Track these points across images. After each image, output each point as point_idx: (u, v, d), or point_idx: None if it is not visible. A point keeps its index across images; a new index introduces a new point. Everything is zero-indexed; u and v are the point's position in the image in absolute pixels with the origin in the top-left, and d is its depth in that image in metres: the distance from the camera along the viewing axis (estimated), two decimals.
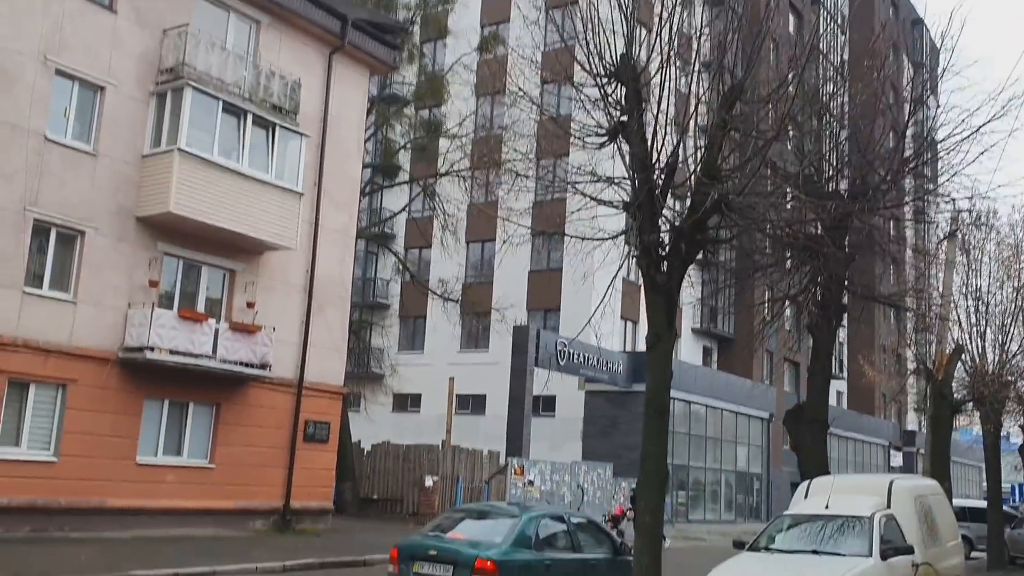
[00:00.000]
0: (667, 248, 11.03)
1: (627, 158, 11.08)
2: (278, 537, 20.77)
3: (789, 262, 17.72)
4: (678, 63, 11.47)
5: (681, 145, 11.05)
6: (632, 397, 35.08)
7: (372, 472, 30.40)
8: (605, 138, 11.27)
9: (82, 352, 18.43)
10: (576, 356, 33.06)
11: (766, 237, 16.22)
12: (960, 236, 23.49)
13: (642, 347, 36.01)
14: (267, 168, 21.13)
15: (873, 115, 16.35)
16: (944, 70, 15.56)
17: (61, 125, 18.53)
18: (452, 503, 26.51)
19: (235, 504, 20.97)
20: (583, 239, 12.62)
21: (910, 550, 12.03)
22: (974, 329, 24.08)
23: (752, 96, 11.77)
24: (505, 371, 31.85)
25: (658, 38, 10.93)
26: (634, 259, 11.65)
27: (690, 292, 21.96)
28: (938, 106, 17.60)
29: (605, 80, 11.03)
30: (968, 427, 37.02)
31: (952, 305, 23.14)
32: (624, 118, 10.94)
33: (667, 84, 10.84)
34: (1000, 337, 24.22)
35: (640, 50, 11.27)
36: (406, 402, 42.13)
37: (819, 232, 15.63)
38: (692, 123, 11.36)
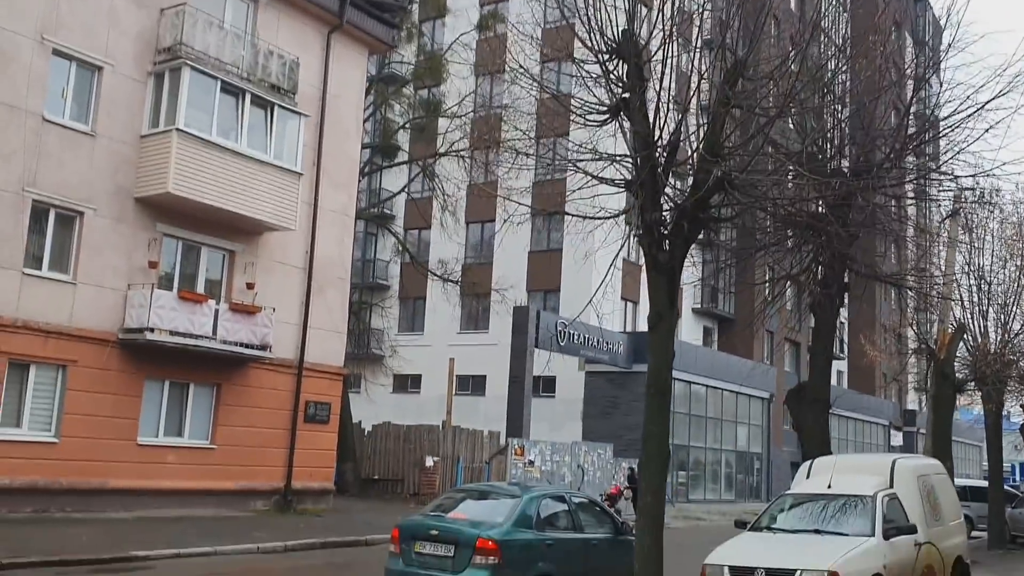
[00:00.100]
0: (669, 227, 10.93)
1: (629, 136, 10.96)
2: (279, 517, 20.82)
3: (791, 241, 17.61)
4: (680, 40, 11.32)
5: (683, 123, 10.94)
6: (632, 377, 35.08)
7: (373, 453, 30.53)
8: (607, 116, 11.15)
9: (82, 333, 18.40)
10: (576, 337, 33.00)
11: (768, 216, 16.10)
12: (963, 215, 23.39)
13: (643, 327, 36.00)
14: (266, 148, 21.03)
15: (876, 92, 16.19)
16: (949, 45, 15.39)
17: (59, 105, 18.42)
18: (453, 483, 26.54)
19: (236, 485, 21.01)
20: (584, 218, 12.48)
21: (913, 529, 12.05)
22: (976, 308, 24.08)
23: (754, 73, 11.64)
24: (505, 352, 31.81)
25: (660, 14, 10.79)
26: (635, 238, 11.55)
27: (691, 272, 21.85)
28: (941, 84, 17.44)
29: (606, 57, 10.89)
30: (969, 407, 37.05)
31: (954, 284, 23.06)
32: (626, 95, 10.81)
33: (669, 61, 10.71)
34: (1002, 316, 24.23)
35: (642, 26, 11.13)
36: (406, 383, 42.17)
37: (821, 210, 15.51)
38: (694, 100, 11.23)
